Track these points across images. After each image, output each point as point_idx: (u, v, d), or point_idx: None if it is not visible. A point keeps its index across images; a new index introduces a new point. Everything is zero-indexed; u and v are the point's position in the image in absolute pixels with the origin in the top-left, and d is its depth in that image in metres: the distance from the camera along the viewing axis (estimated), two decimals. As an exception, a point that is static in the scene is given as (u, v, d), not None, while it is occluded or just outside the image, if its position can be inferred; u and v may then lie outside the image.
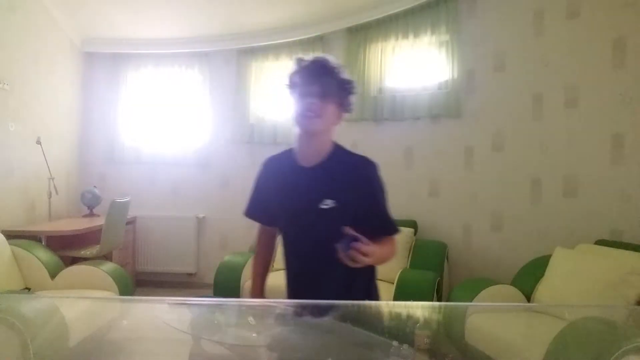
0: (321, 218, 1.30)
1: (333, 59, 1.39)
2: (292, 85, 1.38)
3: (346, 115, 1.40)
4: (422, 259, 3.38)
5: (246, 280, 3.40)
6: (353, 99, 1.40)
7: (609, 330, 1.28)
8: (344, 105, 1.37)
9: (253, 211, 1.54)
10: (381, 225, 1.36)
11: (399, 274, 3.10)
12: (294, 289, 1.44)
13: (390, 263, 3.66)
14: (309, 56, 1.37)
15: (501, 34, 3.58)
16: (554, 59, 3.27)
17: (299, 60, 1.37)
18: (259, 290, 1.56)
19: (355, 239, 1.16)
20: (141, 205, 4.63)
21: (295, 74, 1.36)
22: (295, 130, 1.38)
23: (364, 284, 1.43)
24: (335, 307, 1.19)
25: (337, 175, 1.33)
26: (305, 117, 1.31)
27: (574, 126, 3.17)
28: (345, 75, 1.38)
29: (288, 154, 1.45)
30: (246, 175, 4.74)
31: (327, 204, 1.29)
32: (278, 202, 1.42)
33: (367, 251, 1.16)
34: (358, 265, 1.18)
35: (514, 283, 2.87)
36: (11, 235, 3.19)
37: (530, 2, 3.41)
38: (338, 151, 1.38)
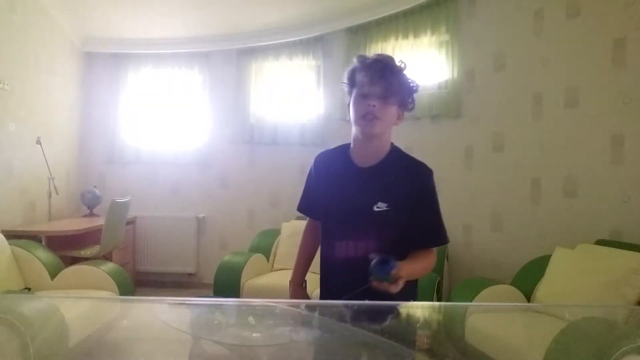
0: (373, 221, 1.28)
1: (395, 58, 1.35)
2: (351, 83, 1.33)
3: (407, 114, 1.38)
4: (422, 259, 3.38)
5: (246, 280, 3.40)
6: (414, 97, 1.37)
7: (609, 330, 1.28)
8: (405, 105, 1.34)
9: (305, 206, 1.52)
10: (432, 235, 1.34)
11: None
12: (330, 290, 1.41)
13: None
14: (372, 54, 1.34)
15: (501, 34, 3.58)
16: (554, 59, 3.27)
17: (362, 58, 1.33)
18: (298, 279, 1.56)
19: (391, 265, 1.13)
20: (141, 205, 4.62)
21: (356, 71, 1.31)
22: (353, 130, 1.36)
23: (408, 291, 1.38)
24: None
25: (393, 178, 1.32)
26: (365, 120, 1.28)
27: (574, 126, 3.17)
28: (408, 74, 1.35)
29: (343, 151, 1.42)
30: (246, 175, 4.78)
31: (381, 207, 1.28)
32: (330, 201, 1.39)
33: (403, 275, 1.14)
34: (394, 290, 1.14)
35: (514, 283, 2.87)
36: (11, 235, 3.19)
37: (530, 2, 3.41)
38: (395, 154, 1.37)
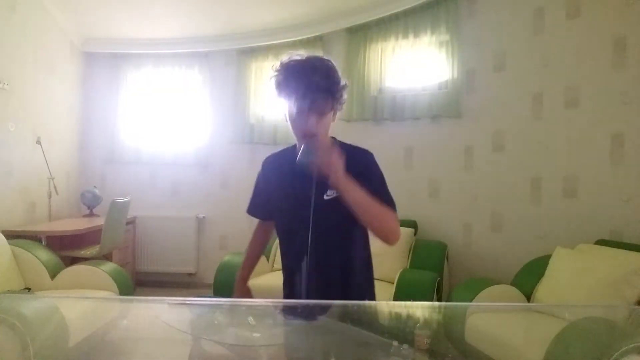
0: (325, 209, 1.32)
1: (320, 59, 1.34)
2: (280, 90, 1.33)
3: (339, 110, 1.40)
4: (422, 259, 3.38)
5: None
6: (343, 92, 1.36)
7: (609, 330, 1.28)
8: (338, 103, 1.36)
9: (254, 209, 1.59)
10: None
11: (399, 274, 3.10)
12: (292, 285, 1.43)
13: (390, 263, 3.66)
14: (296, 58, 1.31)
15: (501, 34, 3.58)
16: (554, 59, 3.27)
17: (284, 67, 1.31)
18: (245, 274, 1.63)
19: (315, 144, 1.21)
20: (141, 205, 4.63)
21: (284, 78, 1.31)
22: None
23: (362, 277, 1.43)
24: (331, 306, 1.19)
25: None
26: (305, 138, 1.33)
27: (574, 126, 3.17)
28: (336, 77, 1.32)
29: (289, 151, 1.48)
30: (246, 175, 4.77)
31: (330, 194, 1.32)
32: (280, 197, 1.44)
33: (337, 171, 1.19)
34: (333, 177, 1.20)
35: (514, 283, 2.87)
36: (11, 235, 3.19)
37: (530, 1, 3.41)
38: (337, 145, 1.40)
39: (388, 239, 1.28)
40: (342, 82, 1.35)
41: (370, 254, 1.48)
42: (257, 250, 1.68)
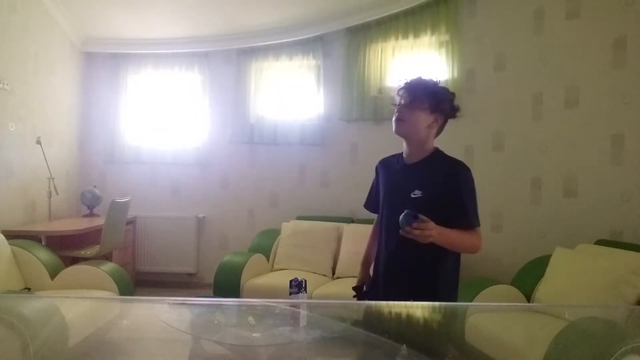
0: (411, 205, 1.45)
1: (432, 76, 1.63)
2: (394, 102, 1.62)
3: (449, 120, 1.65)
4: (422, 259, 3.38)
5: (246, 280, 3.40)
6: (450, 104, 1.61)
7: (609, 330, 1.28)
8: (438, 111, 1.57)
9: (367, 203, 1.84)
10: (461, 217, 1.52)
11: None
12: (387, 275, 1.63)
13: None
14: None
15: (501, 34, 3.58)
16: (554, 59, 3.27)
17: (406, 79, 1.65)
18: (366, 260, 1.85)
19: (415, 216, 1.35)
20: (141, 205, 4.62)
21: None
22: None
23: (448, 271, 1.65)
24: None
25: (430, 172, 1.57)
26: (394, 122, 1.57)
27: (574, 126, 3.17)
28: (438, 84, 1.60)
29: (398, 155, 1.71)
30: (246, 175, 4.78)
31: (417, 194, 1.52)
32: (384, 191, 1.69)
33: (427, 226, 1.34)
34: (423, 241, 1.35)
35: (514, 283, 2.87)
36: (11, 235, 3.19)
37: (530, 2, 3.41)
38: (438, 154, 1.63)
39: (471, 253, 1.63)
40: (440, 86, 1.60)
41: (457, 276, 1.72)
42: (372, 243, 1.84)
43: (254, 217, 4.54)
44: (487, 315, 2.41)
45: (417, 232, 1.33)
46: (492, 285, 2.77)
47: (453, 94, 1.62)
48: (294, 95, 4.53)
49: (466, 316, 2.39)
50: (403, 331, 1.12)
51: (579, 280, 2.49)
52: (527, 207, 3.42)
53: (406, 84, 1.61)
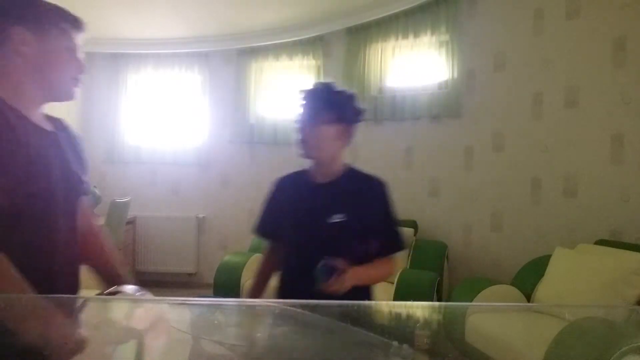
0: (329, 232, 1.34)
1: (332, 83, 1.43)
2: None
3: (355, 127, 1.44)
4: (422, 259, 3.38)
5: (246, 280, 3.40)
6: (355, 110, 1.42)
7: (609, 330, 1.28)
8: (344, 121, 1.39)
9: (263, 228, 1.57)
10: (387, 241, 1.40)
11: (399, 274, 3.10)
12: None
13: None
14: (311, 87, 1.44)
15: (501, 34, 3.58)
16: (554, 59, 3.27)
17: (302, 92, 1.44)
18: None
19: (333, 267, 1.21)
20: (141, 205, 4.62)
21: (301, 104, 1.43)
22: None
23: (359, 293, 1.40)
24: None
25: (347, 192, 1.38)
26: (301, 147, 1.39)
27: (574, 126, 3.17)
28: (336, 89, 1.40)
29: (303, 173, 1.50)
30: (246, 175, 4.77)
31: (336, 218, 1.34)
32: (290, 217, 1.45)
33: (345, 278, 1.20)
34: (341, 291, 1.21)
35: (514, 283, 2.87)
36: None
37: (530, 2, 3.41)
38: (350, 171, 1.44)
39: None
40: (345, 95, 1.40)
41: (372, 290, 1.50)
42: (267, 274, 1.60)
43: (254, 217, 4.53)
44: (487, 315, 2.41)
45: (335, 287, 1.20)
46: (492, 285, 2.77)
47: (354, 96, 1.43)
48: (294, 95, 4.53)
49: (466, 316, 2.39)
50: (403, 331, 1.12)
51: (579, 280, 2.49)
52: (527, 207, 3.42)
53: (304, 97, 1.42)
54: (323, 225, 1.34)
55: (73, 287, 1.14)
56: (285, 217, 1.46)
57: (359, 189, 1.38)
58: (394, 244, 1.40)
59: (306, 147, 1.38)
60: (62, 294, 1.09)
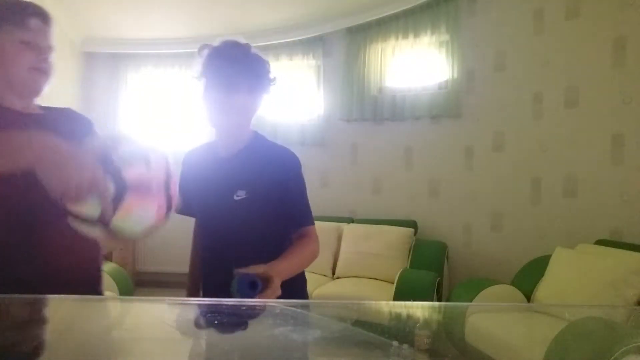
0: (234, 210, 1.25)
1: (242, 41, 1.30)
2: (198, 76, 1.31)
3: (265, 96, 1.32)
4: (422, 259, 3.38)
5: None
6: (270, 79, 1.30)
7: (609, 330, 1.28)
8: (260, 89, 1.28)
9: (180, 206, 1.39)
10: (293, 216, 1.29)
11: (399, 274, 3.10)
12: (207, 286, 1.38)
13: (390, 263, 3.64)
14: (216, 43, 1.30)
15: (501, 34, 3.58)
16: (554, 59, 3.27)
17: (202, 48, 1.31)
18: (194, 291, 1.50)
19: (253, 285, 1.06)
20: (141, 205, 4.62)
21: (201, 63, 1.30)
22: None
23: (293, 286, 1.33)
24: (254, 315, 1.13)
25: (252, 165, 1.27)
26: (213, 116, 1.28)
27: (574, 126, 3.17)
28: (255, 59, 1.28)
29: (208, 145, 1.41)
30: (246, 175, 4.76)
31: (240, 195, 1.24)
32: (196, 194, 1.35)
33: (275, 282, 1.07)
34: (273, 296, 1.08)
35: (514, 283, 2.87)
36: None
37: (530, 2, 3.41)
38: (257, 141, 1.33)
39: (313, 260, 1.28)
40: (258, 59, 1.28)
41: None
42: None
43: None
44: (487, 315, 2.41)
45: (269, 294, 1.07)
46: (492, 285, 2.77)
47: (268, 62, 1.31)
48: (293, 95, 4.54)
49: (466, 316, 2.39)
50: (403, 331, 1.12)
51: (579, 280, 2.49)
52: (527, 207, 3.43)
53: (214, 57, 1.27)
54: (228, 202, 1.24)
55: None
56: (193, 194, 1.35)
57: (263, 162, 1.26)
58: (299, 218, 1.28)
59: (216, 115, 1.27)
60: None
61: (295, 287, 1.26)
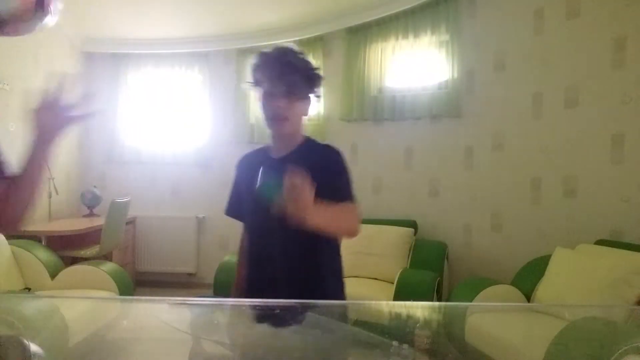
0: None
1: (295, 47, 1.35)
2: (256, 82, 1.36)
3: (314, 101, 1.40)
4: (422, 259, 3.38)
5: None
6: (320, 82, 1.38)
7: (609, 330, 1.28)
8: (314, 94, 1.37)
9: (231, 209, 1.56)
10: (334, 194, 1.29)
11: (399, 274, 3.10)
12: (254, 283, 1.43)
13: (390, 263, 3.64)
14: (270, 49, 1.34)
15: (501, 34, 3.58)
16: (554, 59, 3.27)
17: (261, 55, 1.34)
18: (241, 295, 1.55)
19: (280, 176, 1.07)
20: (141, 205, 4.62)
21: (258, 70, 1.33)
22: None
23: (328, 270, 1.40)
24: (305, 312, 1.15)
25: (301, 162, 1.29)
26: (274, 121, 1.33)
27: (574, 126, 3.17)
28: (310, 64, 1.34)
29: (262, 149, 1.47)
30: (246, 175, 4.75)
31: None
32: (250, 193, 1.39)
33: (310, 206, 1.06)
34: (301, 214, 1.06)
35: (514, 283, 2.87)
36: (11, 235, 3.19)
37: (530, 2, 3.41)
38: (307, 142, 1.41)
39: (348, 236, 1.28)
40: (313, 67, 1.34)
41: (340, 262, 1.45)
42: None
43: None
44: (487, 315, 2.41)
45: (292, 196, 1.05)
46: (492, 285, 2.77)
47: (317, 68, 1.37)
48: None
49: (466, 316, 2.39)
50: (403, 331, 1.12)
51: (579, 280, 2.49)
52: (527, 207, 3.43)
53: (273, 65, 1.30)
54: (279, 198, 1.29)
55: None
56: (246, 194, 1.43)
57: (314, 158, 1.32)
58: (337, 195, 1.29)
59: (284, 126, 1.32)
60: None
61: (335, 291, 1.39)
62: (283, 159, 1.36)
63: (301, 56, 1.33)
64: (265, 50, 1.34)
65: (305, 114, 1.37)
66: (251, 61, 1.36)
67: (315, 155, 1.35)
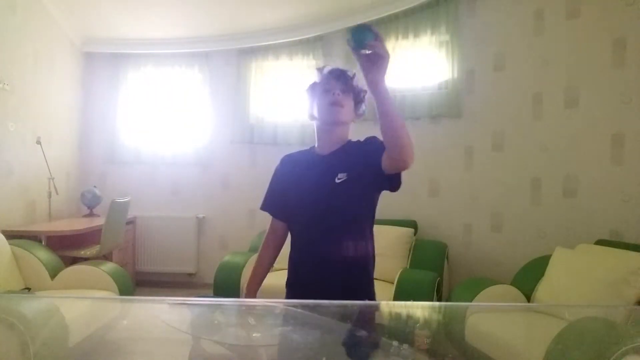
0: (336, 190, 1.38)
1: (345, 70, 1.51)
2: (313, 89, 1.50)
3: (357, 119, 1.55)
4: (422, 259, 3.38)
5: (246, 280, 3.40)
6: (364, 106, 1.54)
7: (609, 330, 1.28)
8: (357, 107, 1.52)
9: (270, 204, 1.60)
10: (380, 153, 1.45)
11: (399, 274, 3.10)
12: (302, 279, 1.47)
13: (390, 263, 3.65)
14: (324, 70, 1.51)
15: (501, 34, 3.58)
16: (554, 59, 3.27)
17: (320, 69, 1.51)
18: (254, 291, 1.57)
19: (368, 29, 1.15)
20: (141, 205, 4.62)
21: (317, 80, 1.50)
22: (316, 126, 1.51)
23: (364, 274, 1.48)
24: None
25: (349, 156, 1.46)
26: (332, 107, 1.43)
27: (574, 126, 3.17)
28: (362, 88, 1.50)
29: (307, 150, 1.57)
30: (246, 176, 4.77)
31: (341, 177, 1.39)
32: (295, 189, 1.49)
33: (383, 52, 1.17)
34: (383, 56, 1.17)
35: (514, 283, 2.87)
36: (11, 235, 3.19)
37: (530, 2, 3.41)
38: (351, 141, 1.53)
39: (403, 154, 1.41)
40: (362, 90, 1.50)
41: (374, 254, 1.52)
42: (270, 256, 1.60)
43: (254, 217, 4.54)
44: (487, 315, 2.41)
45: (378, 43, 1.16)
46: (492, 285, 2.77)
47: (365, 92, 1.52)
48: (293, 95, 4.54)
49: (466, 316, 2.39)
50: (403, 331, 1.12)
51: (579, 280, 2.49)
52: (527, 207, 3.43)
53: (336, 69, 1.49)
54: (330, 185, 1.39)
55: None
56: (292, 189, 1.50)
57: (355, 151, 1.46)
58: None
59: (340, 112, 1.44)
60: None
61: (368, 290, 1.46)
62: (331, 154, 1.47)
63: (352, 74, 1.49)
64: (321, 67, 1.53)
65: (352, 119, 1.51)
66: (312, 78, 1.52)
67: (357, 149, 1.47)
